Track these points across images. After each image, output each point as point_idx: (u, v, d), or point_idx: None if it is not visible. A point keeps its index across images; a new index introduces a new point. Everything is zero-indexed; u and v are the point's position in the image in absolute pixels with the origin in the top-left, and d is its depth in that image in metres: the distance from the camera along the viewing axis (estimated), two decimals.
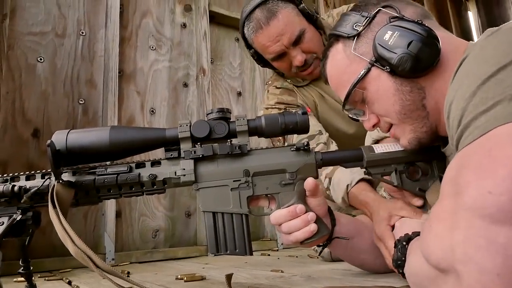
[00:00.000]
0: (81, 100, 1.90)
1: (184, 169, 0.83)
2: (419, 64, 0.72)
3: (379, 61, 0.76)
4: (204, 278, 1.09)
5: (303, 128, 0.86)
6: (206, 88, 2.28)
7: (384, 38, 0.74)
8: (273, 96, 1.46)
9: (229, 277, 0.84)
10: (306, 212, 0.81)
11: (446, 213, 0.50)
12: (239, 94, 2.49)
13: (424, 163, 0.87)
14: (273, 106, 1.45)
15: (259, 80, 2.59)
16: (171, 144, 0.86)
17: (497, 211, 0.44)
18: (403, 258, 0.71)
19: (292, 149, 0.85)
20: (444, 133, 0.79)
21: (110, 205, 1.83)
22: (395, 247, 0.75)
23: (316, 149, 1.22)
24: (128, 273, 1.34)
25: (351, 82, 0.80)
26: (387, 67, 0.74)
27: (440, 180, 0.84)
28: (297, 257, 1.61)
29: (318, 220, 0.82)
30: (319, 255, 0.88)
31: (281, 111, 0.88)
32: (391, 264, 0.85)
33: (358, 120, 0.87)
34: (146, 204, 2.00)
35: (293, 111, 0.87)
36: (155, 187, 0.84)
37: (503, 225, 0.43)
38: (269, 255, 1.81)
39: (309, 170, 0.85)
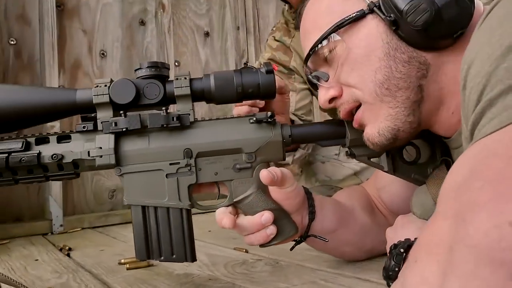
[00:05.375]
0: (12, 40, 1.58)
1: (100, 147, 0.60)
2: (438, 26, 0.51)
3: (385, 4, 0.53)
4: (152, 265, 0.91)
5: (267, 92, 0.63)
6: (166, 27, 1.96)
7: None
8: (269, 49, 1.25)
9: None
10: (264, 209, 0.61)
11: (439, 244, 0.30)
12: (207, 34, 2.18)
13: (423, 141, 0.67)
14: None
15: (229, 18, 2.27)
16: (85, 111, 0.63)
17: None
18: (397, 269, 0.53)
19: (251, 120, 0.63)
20: (443, 132, 0.59)
21: None
22: (389, 253, 0.57)
23: None
24: (70, 249, 1.14)
25: (331, 24, 0.57)
26: (391, 15, 0.52)
27: (447, 166, 0.64)
28: None
29: (281, 219, 0.63)
30: (291, 249, 0.69)
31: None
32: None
33: (317, 88, 0.64)
34: None
35: (254, 68, 0.64)
36: (63, 171, 0.61)
37: None
38: None
39: (273, 150, 0.64)
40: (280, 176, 0.61)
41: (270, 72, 0.63)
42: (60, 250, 1.15)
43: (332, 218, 0.72)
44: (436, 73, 0.56)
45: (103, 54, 1.80)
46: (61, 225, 1.54)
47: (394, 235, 0.64)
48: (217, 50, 2.22)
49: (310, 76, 0.63)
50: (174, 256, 0.62)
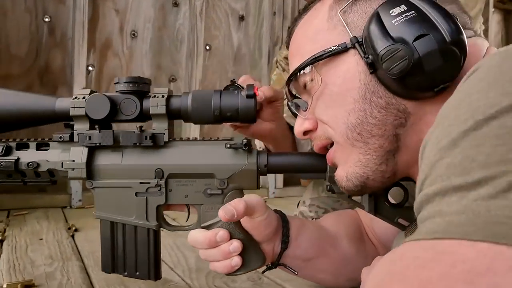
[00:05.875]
0: (47, 18, 1.62)
1: (73, 160, 0.60)
2: (417, 78, 0.46)
3: (366, 42, 0.48)
4: None
5: (246, 117, 0.60)
6: (198, 10, 1.94)
7: (391, 12, 0.46)
8: (286, 47, 1.24)
9: None
10: (232, 238, 0.59)
11: None
12: (242, 18, 2.13)
13: (414, 183, 0.61)
14: (280, 61, 1.23)
15: (267, 3, 2.20)
16: (64, 120, 0.63)
17: None
18: None
19: (228, 145, 0.61)
20: None
21: None
22: None
23: None
24: (76, 230, 1.20)
25: (312, 53, 0.53)
26: (369, 56, 0.47)
27: None
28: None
29: (249, 249, 0.61)
30: (262, 272, 0.68)
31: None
32: None
33: (296, 115, 0.60)
34: None
35: (236, 91, 0.61)
36: (40, 178, 0.63)
37: None
38: None
39: (246, 178, 0.61)
40: (242, 211, 0.57)
41: (250, 96, 0.60)
42: (68, 229, 1.21)
43: (307, 246, 0.68)
44: (417, 123, 0.50)
45: (133, 34, 1.81)
46: (79, 200, 1.61)
47: (367, 276, 0.60)
48: (251, 35, 2.17)
49: (289, 103, 0.59)
50: (137, 273, 0.62)
